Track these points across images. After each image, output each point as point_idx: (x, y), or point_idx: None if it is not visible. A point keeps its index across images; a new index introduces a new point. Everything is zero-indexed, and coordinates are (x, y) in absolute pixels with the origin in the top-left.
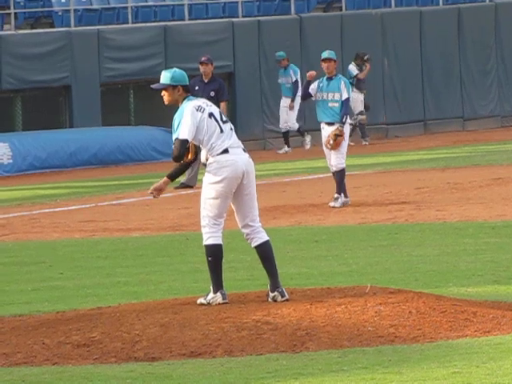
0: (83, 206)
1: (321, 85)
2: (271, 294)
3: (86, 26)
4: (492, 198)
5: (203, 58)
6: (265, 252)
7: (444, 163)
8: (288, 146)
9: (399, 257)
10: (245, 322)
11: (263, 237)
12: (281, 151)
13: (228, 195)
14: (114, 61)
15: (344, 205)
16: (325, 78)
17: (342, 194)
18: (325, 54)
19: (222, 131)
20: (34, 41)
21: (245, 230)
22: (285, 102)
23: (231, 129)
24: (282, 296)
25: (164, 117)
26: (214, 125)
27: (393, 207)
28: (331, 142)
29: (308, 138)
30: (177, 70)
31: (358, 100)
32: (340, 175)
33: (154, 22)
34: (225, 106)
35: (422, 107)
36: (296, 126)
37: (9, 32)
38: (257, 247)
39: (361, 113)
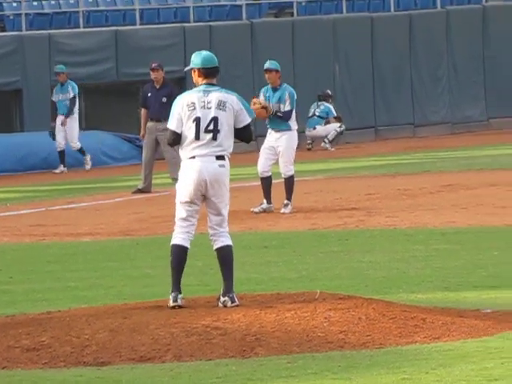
0: (33, 211)
1: (266, 94)
2: (222, 299)
3: (37, 30)
4: (442, 205)
5: (154, 65)
6: (223, 256)
7: (395, 169)
8: (64, 166)
9: (349, 263)
10: (194, 327)
11: (225, 241)
12: (57, 170)
13: (192, 200)
14: (65, 65)
15: (266, 211)
16: (269, 86)
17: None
18: (266, 65)
19: (197, 138)
20: None
21: (210, 231)
22: (60, 120)
23: (214, 138)
24: (232, 302)
25: (114, 121)
26: (192, 130)
27: (343, 213)
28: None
29: (88, 157)
30: (203, 52)
31: (332, 128)
32: (289, 182)
33: (105, 26)
34: None
35: (373, 113)
36: (79, 145)
37: None
38: (217, 250)
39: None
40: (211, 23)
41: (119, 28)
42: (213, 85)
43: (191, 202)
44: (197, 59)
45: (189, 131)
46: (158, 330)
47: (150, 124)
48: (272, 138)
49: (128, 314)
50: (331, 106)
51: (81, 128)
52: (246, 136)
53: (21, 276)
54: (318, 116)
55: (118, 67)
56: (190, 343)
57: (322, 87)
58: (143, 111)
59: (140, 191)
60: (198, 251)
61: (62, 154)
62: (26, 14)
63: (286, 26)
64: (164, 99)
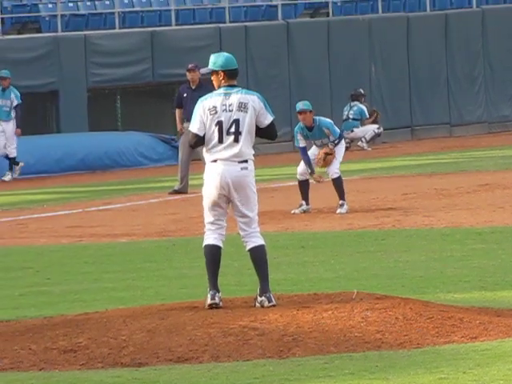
0: (70, 212)
1: (304, 134)
2: (259, 299)
3: (73, 32)
4: (479, 204)
5: (190, 65)
6: (256, 256)
7: (431, 169)
8: (14, 173)
9: (386, 263)
10: (232, 328)
11: (257, 241)
12: (6, 178)
13: (216, 203)
14: (101, 66)
15: (305, 212)
16: (303, 126)
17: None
18: (299, 106)
19: (220, 142)
20: (21, 46)
21: (240, 233)
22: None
23: (235, 140)
24: (269, 301)
25: (150, 122)
26: (215, 134)
27: (380, 213)
28: (321, 160)
29: (18, 167)
30: (224, 54)
31: (370, 128)
32: (338, 182)
33: (141, 27)
34: None
35: (409, 113)
36: (15, 153)
37: None
38: (249, 251)
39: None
40: (247, 23)
41: (155, 29)
42: (234, 86)
43: (216, 206)
44: (218, 61)
45: (212, 135)
46: (196, 330)
47: (186, 125)
48: (316, 151)
49: (165, 314)
50: (364, 107)
51: (117, 129)
52: (270, 134)
53: (58, 277)
54: (353, 118)
55: (153, 68)
56: (227, 344)
57: (357, 87)
58: (178, 111)
59: (176, 192)
60: (235, 252)
61: (12, 159)
62: (62, 16)
63: (321, 26)
64: None
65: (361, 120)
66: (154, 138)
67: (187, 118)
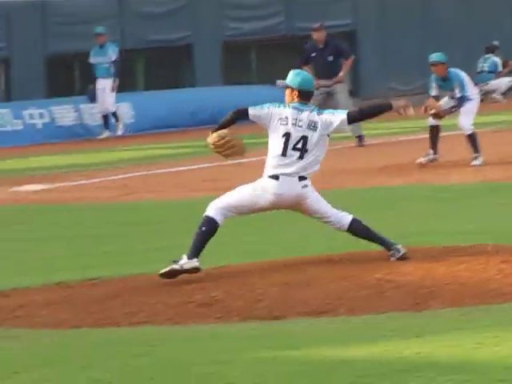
0: (206, 165)
1: (439, 84)
2: (389, 253)
3: None
4: None
5: (315, 25)
6: (357, 230)
7: None
8: (109, 130)
9: None
10: (367, 281)
11: (346, 219)
12: (101, 136)
13: (257, 207)
14: (236, 20)
15: (432, 161)
16: (438, 77)
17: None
18: (432, 57)
19: (283, 155)
20: (155, 0)
21: (331, 226)
22: (101, 83)
23: (300, 157)
24: (399, 252)
25: (285, 76)
26: (280, 145)
27: None
28: (429, 111)
29: (121, 124)
30: (303, 73)
31: (505, 80)
32: (472, 138)
33: None
34: (350, 63)
35: None
36: (114, 108)
37: None
38: (348, 231)
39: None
40: None
41: None
42: (306, 104)
43: (252, 207)
44: (296, 79)
45: (276, 145)
46: (331, 283)
47: (315, 82)
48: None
49: (301, 268)
50: (498, 60)
51: (252, 83)
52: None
53: (191, 232)
54: (488, 71)
55: (287, 22)
56: (362, 296)
57: (491, 39)
58: (305, 68)
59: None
60: (369, 204)
61: (105, 118)
62: None
63: None
64: (330, 58)
65: (495, 72)
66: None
67: (319, 76)
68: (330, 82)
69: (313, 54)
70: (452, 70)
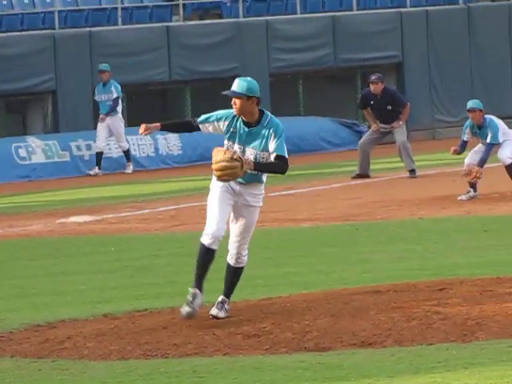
0: None
1: (474, 130)
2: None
3: (254, 17)
4: None
5: (373, 77)
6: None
7: None
8: (99, 168)
9: None
10: (415, 312)
11: (236, 261)
12: (91, 172)
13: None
14: (283, 51)
15: (473, 198)
16: (473, 124)
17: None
18: (469, 104)
19: None
20: (203, 32)
21: (229, 249)
22: (105, 121)
23: None
24: (220, 310)
25: (332, 107)
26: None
27: None
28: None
29: (131, 164)
30: (252, 80)
31: None
32: (511, 168)
33: (322, 12)
34: (407, 111)
35: None
36: (127, 145)
37: (178, 23)
38: (228, 267)
39: None
40: (428, 8)
41: (336, 14)
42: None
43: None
44: (257, 88)
45: None
46: (379, 315)
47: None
48: (469, 161)
49: (348, 299)
50: None
51: (299, 114)
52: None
53: None
54: None
55: (335, 53)
56: (410, 328)
57: None
58: (366, 112)
59: (359, 176)
60: (417, 236)
61: (99, 155)
62: (243, 1)
63: (503, 9)
64: (389, 107)
65: None
66: (335, 123)
67: (379, 120)
68: (389, 126)
69: (371, 102)
70: (487, 117)
